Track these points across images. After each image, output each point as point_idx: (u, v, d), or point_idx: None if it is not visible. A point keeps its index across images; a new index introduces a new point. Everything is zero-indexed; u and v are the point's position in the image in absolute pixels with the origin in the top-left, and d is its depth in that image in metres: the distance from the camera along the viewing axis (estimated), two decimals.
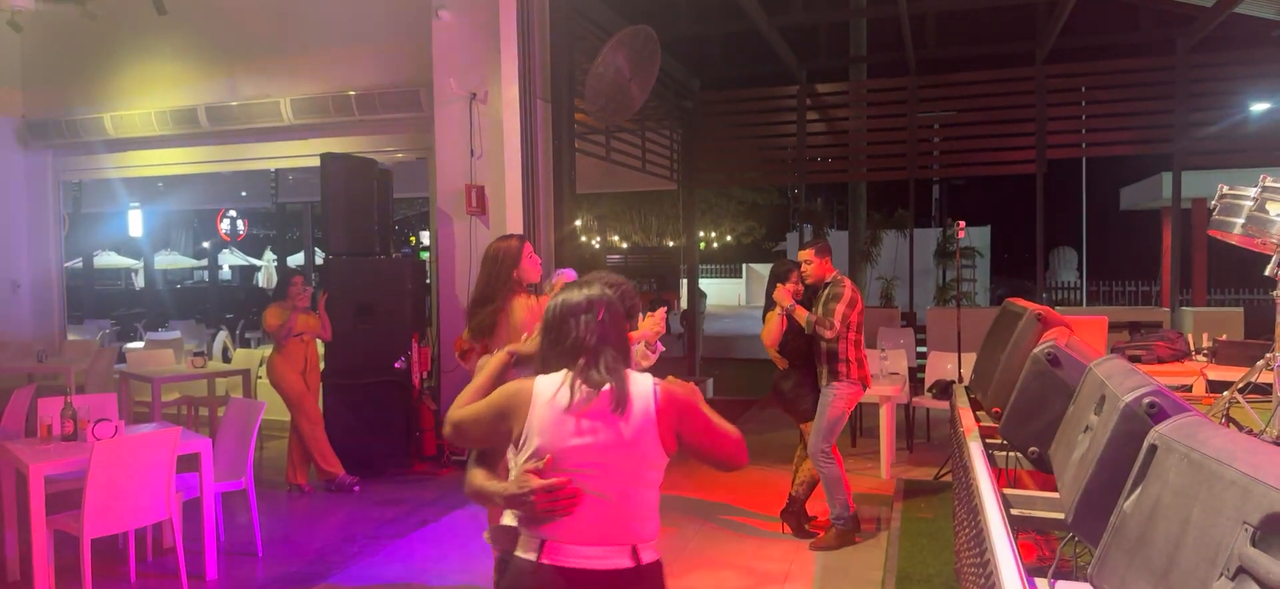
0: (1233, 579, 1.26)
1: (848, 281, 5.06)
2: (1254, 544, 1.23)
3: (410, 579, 4.69)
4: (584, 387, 1.95)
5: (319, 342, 6.64)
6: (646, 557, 1.97)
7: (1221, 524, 1.33)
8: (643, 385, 2.00)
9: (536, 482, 1.90)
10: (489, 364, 2.21)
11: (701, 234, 23.98)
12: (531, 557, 1.95)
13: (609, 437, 1.93)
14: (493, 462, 2.10)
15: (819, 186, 22.54)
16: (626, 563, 1.93)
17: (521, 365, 2.20)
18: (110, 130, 9.37)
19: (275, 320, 6.23)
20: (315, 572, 4.78)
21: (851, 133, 11.29)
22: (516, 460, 1.99)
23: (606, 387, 1.95)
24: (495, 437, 2.05)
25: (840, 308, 4.91)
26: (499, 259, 4.06)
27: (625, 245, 27.44)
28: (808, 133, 11.29)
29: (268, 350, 6.67)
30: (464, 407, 2.08)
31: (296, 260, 19.13)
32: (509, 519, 2.14)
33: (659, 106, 10.67)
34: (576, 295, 2.07)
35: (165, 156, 9.64)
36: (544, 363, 2.05)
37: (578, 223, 8.75)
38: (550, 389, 1.98)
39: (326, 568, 4.84)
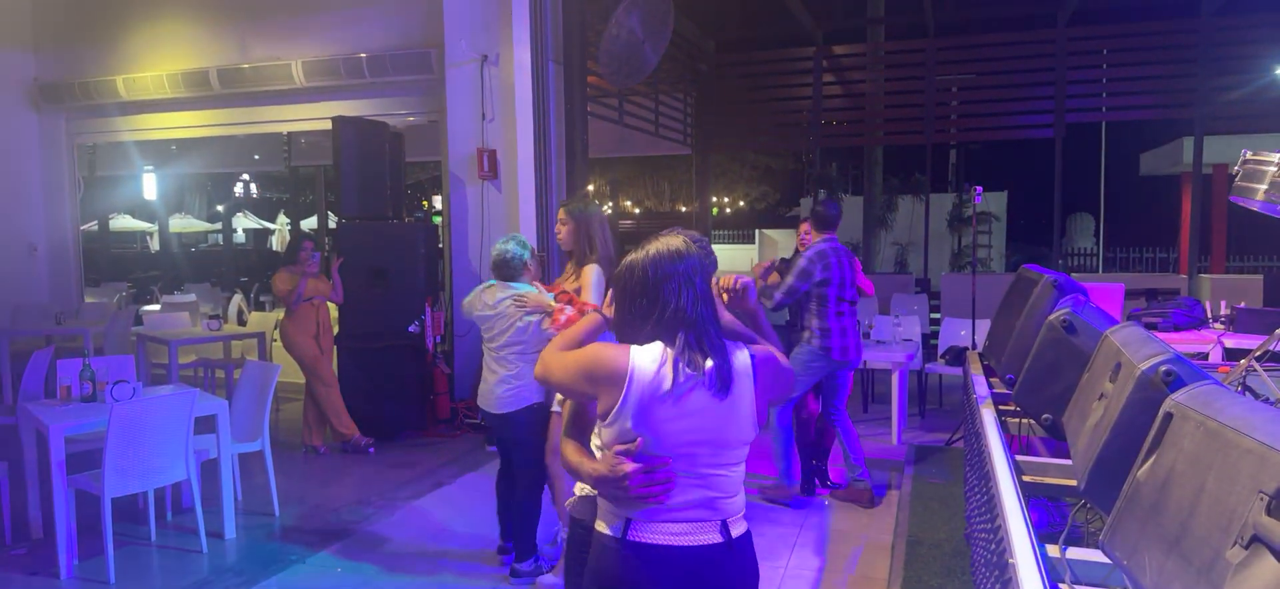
0: (1246, 548, 1.25)
1: (815, 254, 5.01)
2: (1269, 513, 1.22)
3: (424, 540, 4.75)
4: (686, 365, 1.79)
5: (331, 305, 6.68)
6: (737, 530, 1.87)
7: (1236, 493, 1.32)
8: (743, 361, 1.85)
9: (629, 466, 1.79)
10: (584, 320, 2.07)
11: (715, 199, 23.87)
12: (616, 534, 1.84)
13: (708, 419, 1.80)
14: (583, 431, 1.98)
15: (834, 151, 22.33)
16: (716, 538, 1.84)
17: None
18: (123, 93, 9.37)
19: (285, 285, 6.26)
20: (331, 531, 4.85)
21: (868, 96, 11.16)
22: (603, 435, 1.88)
23: (709, 364, 1.80)
24: (578, 395, 1.92)
25: (786, 279, 4.98)
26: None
27: (638, 211, 27.37)
28: (824, 96, 11.17)
29: (281, 314, 6.71)
30: (556, 350, 1.96)
31: (309, 224, 19.19)
32: (587, 489, 2.04)
33: (672, 69, 10.57)
34: (668, 257, 1.86)
35: (178, 119, 9.65)
36: (631, 331, 1.87)
37: (590, 188, 8.70)
38: (649, 368, 1.80)
39: (343, 528, 4.90)
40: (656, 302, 1.83)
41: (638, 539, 1.82)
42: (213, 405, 4.70)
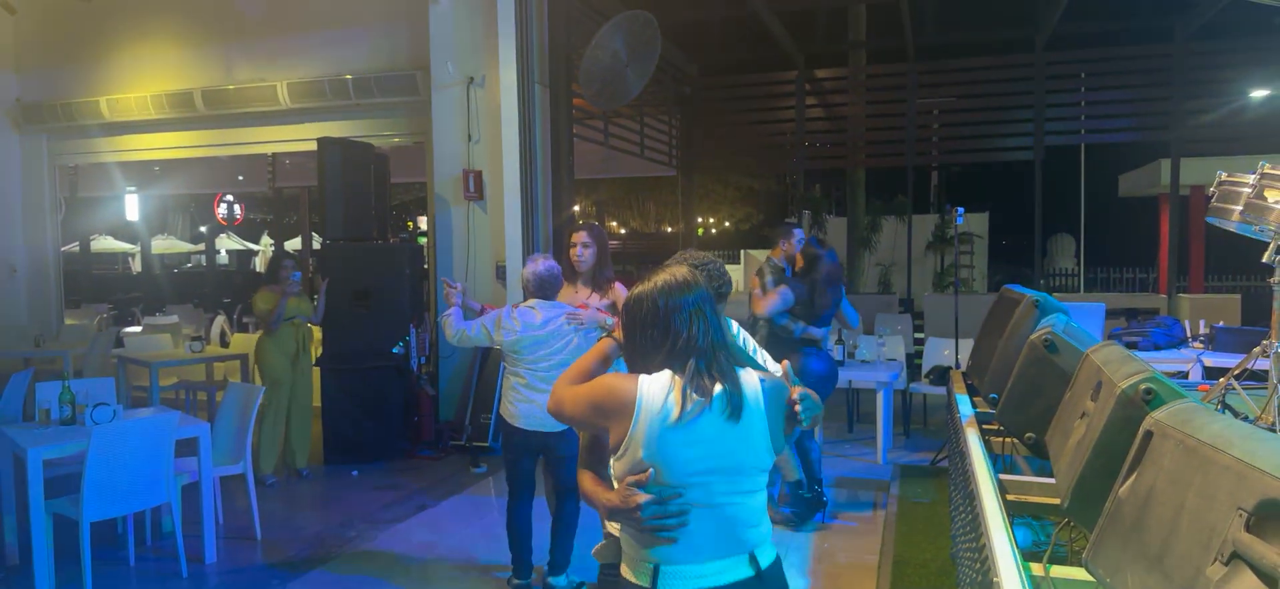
0: (1227, 564, 1.26)
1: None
2: (1248, 530, 1.24)
3: (409, 562, 4.70)
4: (695, 393, 1.78)
5: (313, 327, 6.63)
6: (765, 560, 1.84)
7: (1216, 510, 1.33)
8: (753, 386, 1.85)
9: (641, 496, 1.76)
10: (596, 346, 2.06)
11: (700, 220, 23.95)
12: (646, 583, 1.80)
13: (724, 446, 1.78)
14: (598, 462, 1.95)
15: (817, 173, 22.50)
16: (747, 572, 1.81)
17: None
18: (106, 114, 9.33)
19: (266, 304, 6.15)
20: (314, 555, 4.80)
21: (850, 119, 11.26)
22: (616, 467, 1.85)
23: (718, 389, 1.80)
24: (590, 426, 1.93)
25: (820, 290, 5.14)
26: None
27: (624, 231, 27.42)
28: (806, 119, 11.27)
29: (261, 333, 6.62)
30: (567, 383, 1.96)
31: (294, 245, 19.10)
32: (615, 529, 2.01)
33: (657, 91, 10.64)
34: (678, 288, 1.86)
35: (161, 140, 9.61)
36: (642, 361, 1.86)
37: (576, 209, 8.73)
38: (657, 397, 1.79)
39: (325, 551, 4.85)
40: (668, 332, 1.83)
41: (670, 587, 1.78)
42: (194, 428, 4.65)
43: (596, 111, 8.97)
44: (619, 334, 1.99)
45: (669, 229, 24.74)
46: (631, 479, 1.79)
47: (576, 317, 3.99)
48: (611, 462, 1.86)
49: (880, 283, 19.89)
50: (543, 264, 4.05)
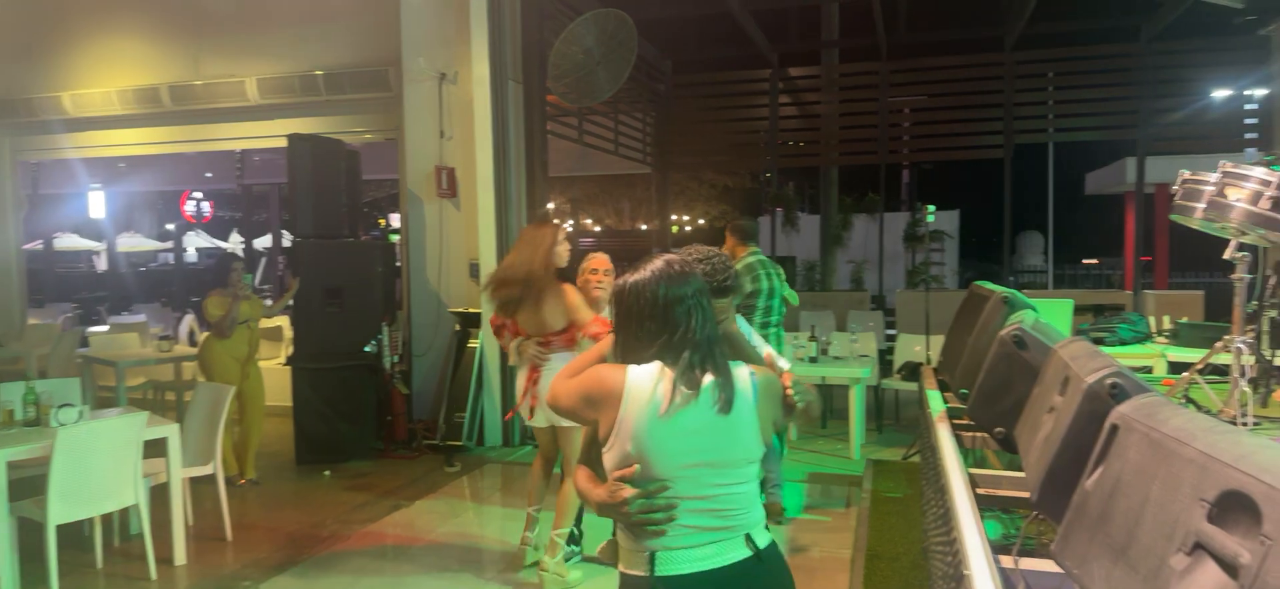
0: (1189, 554, 1.29)
1: (743, 267, 5.10)
2: (1210, 521, 1.27)
3: (383, 562, 4.67)
4: (684, 385, 1.76)
5: (285, 327, 6.55)
6: (762, 541, 1.84)
7: (1179, 501, 1.36)
8: (744, 379, 1.84)
9: (628, 491, 1.76)
10: (597, 345, 2.03)
11: (674, 217, 23.98)
12: (643, 573, 1.80)
13: (713, 439, 1.78)
14: (597, 459, 1.92)
15: (791, 170, 22.62)
16: (745, 553, 1.81)
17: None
18: (69, 109, 9.15)
19: (219, 310, 5.96)
20: (287, 557, 4.74)
21: (823, 117, 11.33)
22: (605, 460, 1.84)
23: (707, 380, 1.78)
24: (584, 420, 1.92)
25: None
26: (536, 243, 4.14)
27: (598, 229, 27.38)
28: (780, 116, 11.31)
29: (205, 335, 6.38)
30: (563, 380, 1.94)
31: (264, 243, 18.86)
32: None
33: (631, 88, 10.63)
34: (677, 278, 1.84)
35: (127, 136, 9.44)
36: (635, 353, 1.84)
37: (551, 206, 8.70)
38: (645, 388, 1.78)
39: (298, 552, 4.80)
40: (667, 324, 1.81)
41: (666, 574, 1.78)
42: (162, 429, 4.58)
43: (571, 108, 8.94)
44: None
45: (644, 227, 24.74)
46: (618, 473, 1.78)
47: None
48: (603, 456, 1.84)
49: (853, 280, 20.06)
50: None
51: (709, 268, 2.04)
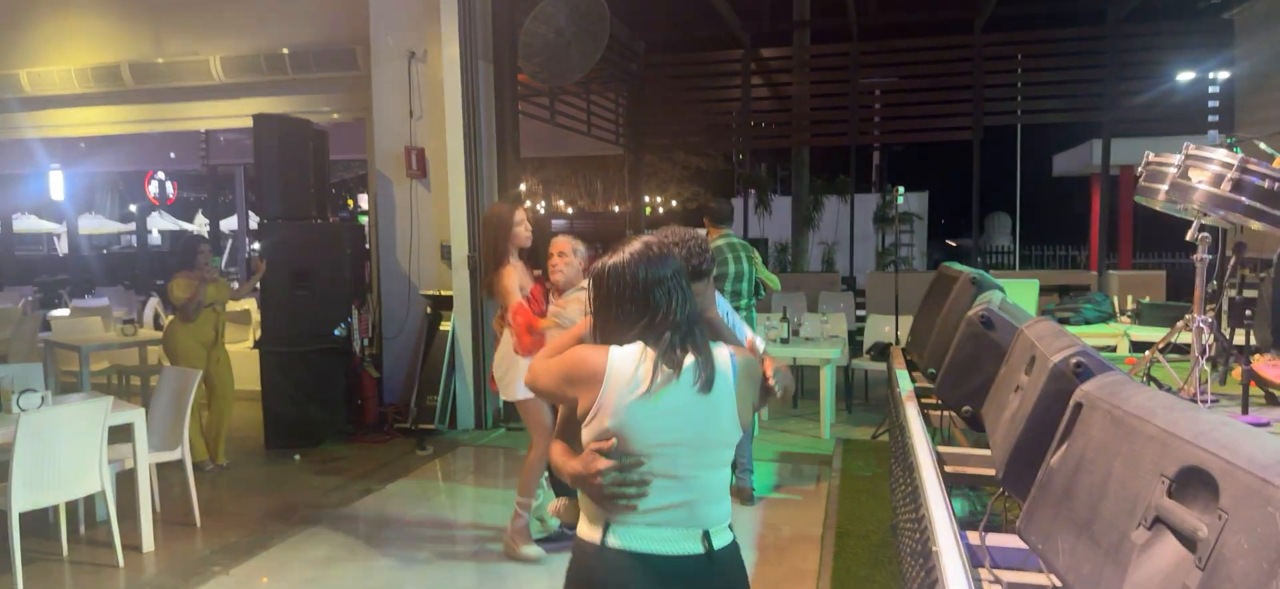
0: (1149, 528, 1.32)
1: (712, 249, 5.18)
2: (1170, 495, 1.30)
3: (353, 549, 4.65)
4: (665, 365, 1.77)
5: (253, 310, 6.46)
6: (719, 541, 1.83)
7: (1140, 477, 1.39)
8: (724, 361, 1.84)
9: (603, 463, 1.76)
10: (574, 327, 2.01)
11: (647, 199, 23.95)
12: (595, 539, 1.81)
13: (692, 419, 1.78)
14: (573, 436, 1.93)
15: (763, 152, 22.68)
16: (697, 549, 1.80)
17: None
18: (26, 87, 8.91)
19: (185, 292, 5.84)
20: (257, 542, 4.70)
21: (795, 98, 11.36)
22: (583, 435, 1.84)
23: (689, 361, 1.79)
24: (563, 400, 1.91)
25: None
26: (491, 224, 4.30)
27: (571, 210, 27.26)
28: (752, 98, 11.32)
29: (170, 319, 6.26)
30: (542, 360, 1.94)
31: (229, 224, 18.57)
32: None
33: (603, 68, 10.57)
34: (656, 260, 1.84)
35: (87, 115, 9.23)
36: (616, 335, 1.84)
37: (522, 187, 8.66)
38: (626, 368, 1.78)
39: (268, 537, 4.76)
40: (647, 306, 1.81)
41: (616, 545, 1.78)
42: (128, 414, 4.51)
43: (542, 88, 8.87)
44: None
45: (617, 208, 24.68)
46: (595, 446, 1.79)
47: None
48: (582, 431, 1.85)
49: (824, 261, 20.20)
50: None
51: (685, 251, 2.04)
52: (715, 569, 1.81)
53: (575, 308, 3.84)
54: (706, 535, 1.81)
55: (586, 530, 1.84)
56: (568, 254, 4.10)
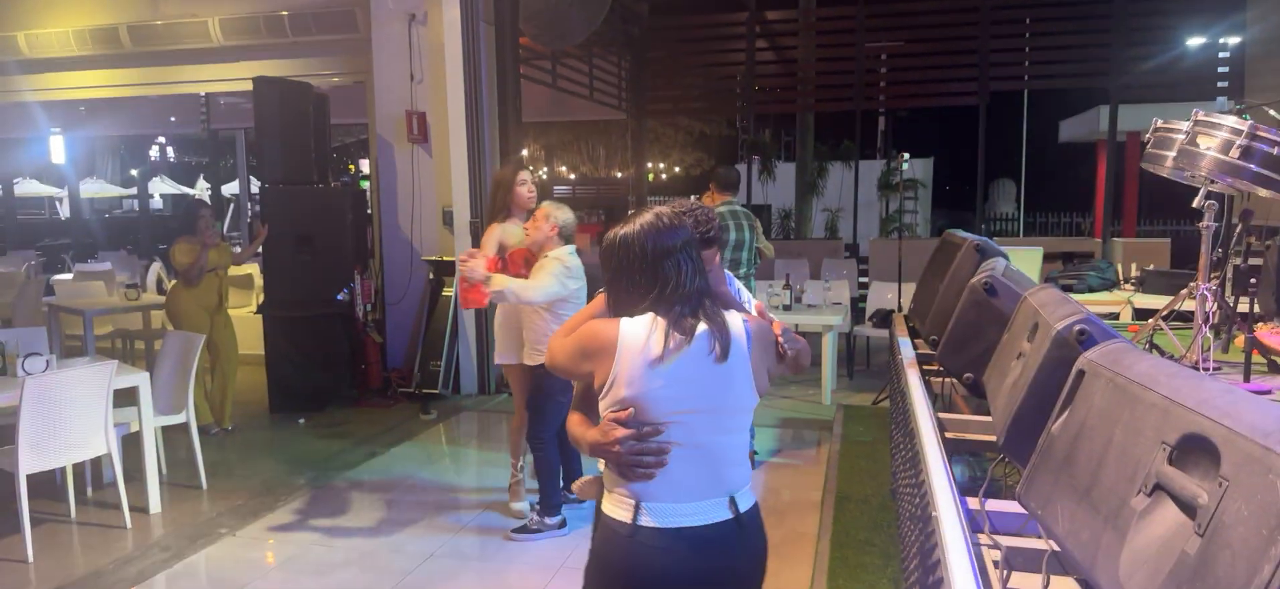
0: (1149, 495, 1.32)
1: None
2: (1170, 462, 1.30)
3: (359, 511, 4.69)
4: (676, 332, 1.78)
5: (256, 274, 6.46)
6: (744, 504, 1.85)
7: (1141, 444, 1.39)
8: (737, 328, 1.84)
9: (621, 431, 1.77)
10: (590, 303, 2.02)
11: (650, 165, 23.83)
12: (626, 519, 1.80)
13: (704, 387, 1.79)
14: (590, 407, 1.93)
15: (767, 118, 22.53)
16: (726, 515, 1.82)
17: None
18: (25, 50, 8.85)
19: (187, 257, 5.83)
20: (262, 503, 4.75)
21: (800, 62, 11.26)
22: (601, 408, 1.84)
23: (701, 329, 1.79)
24: (580, 375, 1.91)
25: None
26: (495, 185, 4.50)
27: (573, 176, 27.15)
28: (757, 62, 11.22)
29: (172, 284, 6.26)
30: (559, 338, 1.95)
31: (231, 189, 18.53)
32: (601, 467, 2.00)
33: (606, 31, 10.46)
34: (666, 230, 1.84)
35: (86, 78, 9.17)
36: (627, 306, 1.84)
37: (525, 152, 8.61)
38: (639, 336, 1.79)
39: (274, 500, 4.81)
40: (656, 277, 1.81)
41: (649, 524, 1.79)
42: (133, 377, 4.53)
43: (543, 51, 8.80)
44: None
45: (619, 174, 24.57)
46: (612, 416, 1.79)
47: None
48: (599, 404, 1.86)
49: (827, 228, 20.15)
50: (569, 212, 4.16)
51: (693, 220, 2.04)
52: (744, 533, 1.84)
53: (542, 278, 3.92)
54: (733, 500, 1.83)
55: (615, 510, 1.83)
56: (540, 220, 4.08)
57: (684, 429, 1.78)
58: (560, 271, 3.93)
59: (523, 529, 4.26)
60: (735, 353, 1.81)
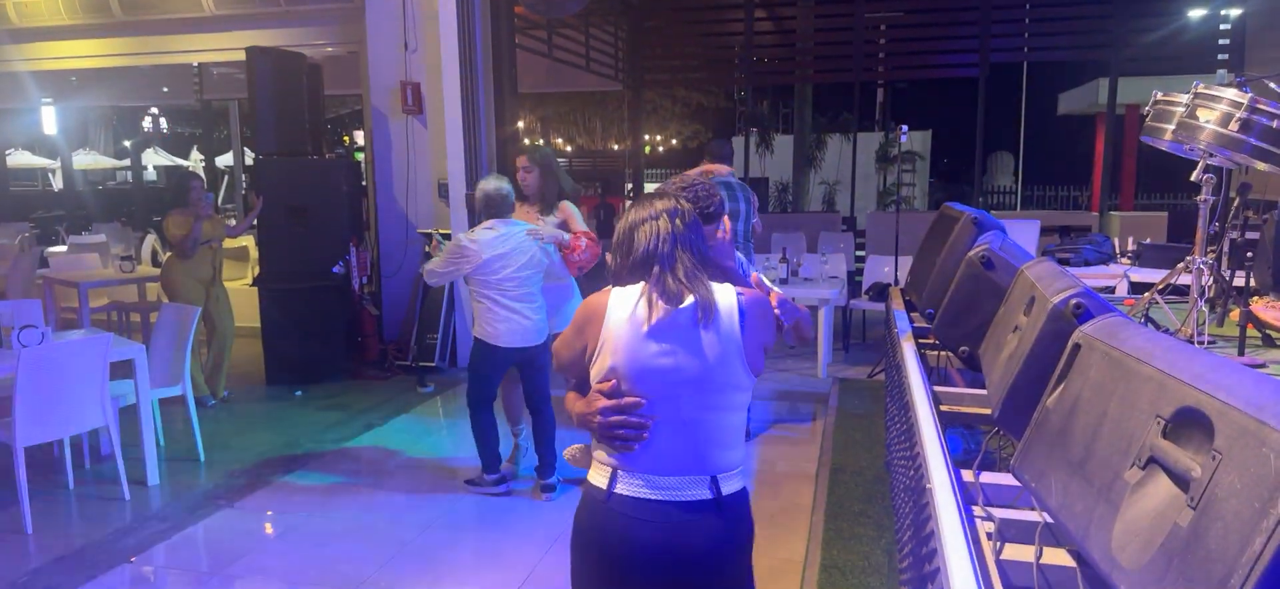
0: (1143, 468, 1.33)
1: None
2: (1165, 436, 1.30)
3: (357, 482, 4.71)
4: (661, 301, 1.77)
5: (251, 246, 6.43)
6: (728, 488, 1.81)
7: (1136, 417, 1.40)
8: (727, 298, 1.81)
9: (603, 400, 1.77)
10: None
11: (647, 137, 23.71)
12: (602, 485, 1.81)
13: (690, 357, 1.76)
14: (584, 382, 1.93)
15: (765, 89, 22.40)
16: (705, 495, 1.78)
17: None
18: (13, 18, 8.76)
19: (180, 230, 5.78)
20: (260, 476, 4.76)
21: (799, 33, 11.17)
22: (591, 376, 1.85)
23: (689, 300, 1.78)
24: (577, 352, 1.90)
25: None
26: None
27: (570, 148, 27.03)
28: (755, 32, 11.13)
29: (166, 257, 6.24)
30: (565, 334, 1.96)
31: (225, 161, 18.43)
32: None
33: (602, 0, 10.37)
34: (644, 204, 1.89)
35: (77, 48, 9.08)
36: (617, 281, 1.89)
37: (520, 124, 8.56)
38: (626, 303, 1.80)
39: (272, 471, 4.82)
40: (633, 247, 1.84)
41: (623, 492, 1.78)
42: (129, 350, 4.53)
43: (539, 20, 8.71)
44: (575, 244, 2.00)
45: (616, 147, 24.46)
46: (597, 386, 1.80)
47: (537, 232, 4.23)
48: (590, 374, 1.86)
49: (825, 201, 20.12)
50: (491, 183, 4.20)
51: (692, 195, 2.05)
52: (722, 516, 1.79)
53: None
54: (715, 481, 1.79)
55: (595, 476, 1.84)
56: (519, 169, 4.44)
57: (669, 403, 1.77)
58: (449, 250, 4.11)
59: (471, 482, 4.49)
60: (726, 326, 1.78)
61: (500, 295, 4.11)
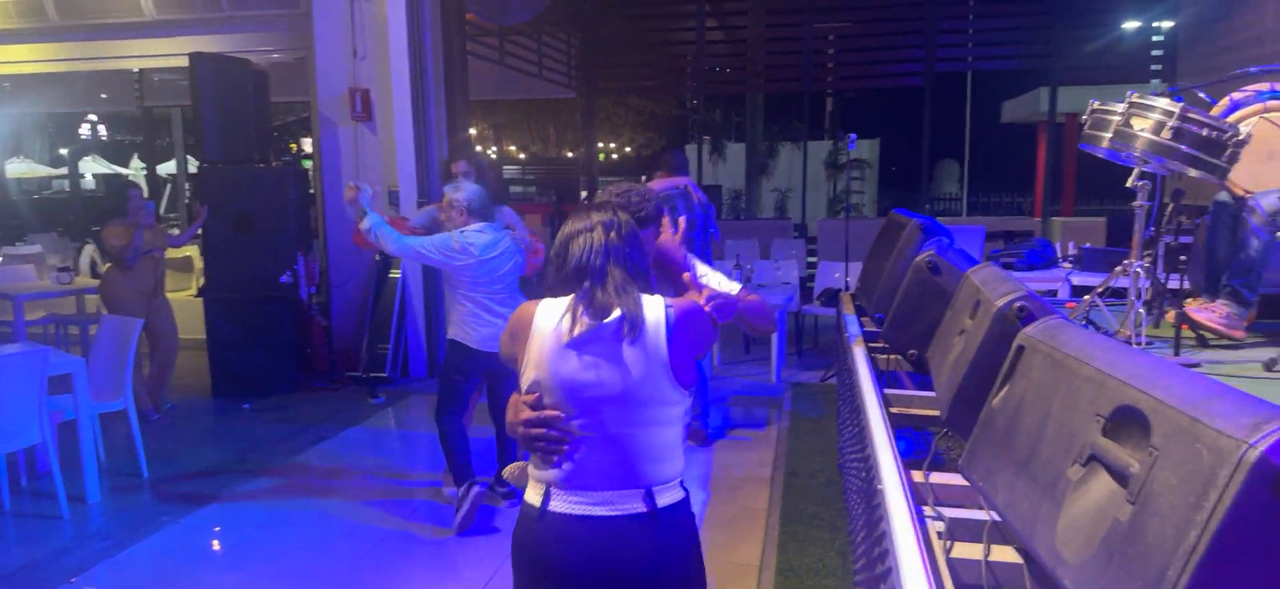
0: (1084, 465, 1.37)
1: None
2: (1104, 434, 1.35)
3: (307, 496, 4.61)
4: (586, 315, 1.74)
5: (195, 257, 6.28)
6: (665, 499, 1.77)
7: (1077, 416, 1.44)
8: (655, 311, 1.77)
9: (527, 413, 1.75)
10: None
11: (600, 145, 23.73)
12: (536, 503, 1.79)
13: (614, 371, 1.72)
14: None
15: (717, 98, 22.58)
16: (640, 509, 1.74)
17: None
18: None
19: (120, 239, 5.65)
20: (206, 491, 4.64)
21: (749, 42, 11.30)
22: (521, 386, 1.83)
23: (616, 313, 1.74)
24: (512, 360, 1.89)
25: None
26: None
27: (523, 156, 26.89)
28: (707, 41, 11.23)
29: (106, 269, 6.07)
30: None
31: (168, 169, 17.96)
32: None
33: (555, 8, 10.36)
34: (579, 216, 1.86)
35: (10, 52, 8.76)
36: (551, 291, 1.86)
37: (472, 131, 8.49)
38: (552, 316, 1.78)
39: (218, 487, 4.70)
40: (566, 259, 1.83)
41: (556, 510, 1.76)
42: (67, 363, 4.38)
43: (491, 27, 8.67)
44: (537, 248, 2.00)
45: (570, 154, 24.41)
46: (520, 398, 1.80)
47: (513, 231, 4.24)
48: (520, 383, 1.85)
49: (777, 208, 20.34)
50: (474, 187, 4.11)
51: (626, 201, 2.04)
52: (658, 528, 1.76)
53: (417, 238, 4.03)
54: (650, 494, 1.76)
55: (530, 493, 1.83)
56: (447, 208, 4.07)
57: (593, 418, 1.74)
58: (442, 241, 3.94)
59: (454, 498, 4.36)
60: (651, 341, 1.74)
61: (485, 299, 4.01)
